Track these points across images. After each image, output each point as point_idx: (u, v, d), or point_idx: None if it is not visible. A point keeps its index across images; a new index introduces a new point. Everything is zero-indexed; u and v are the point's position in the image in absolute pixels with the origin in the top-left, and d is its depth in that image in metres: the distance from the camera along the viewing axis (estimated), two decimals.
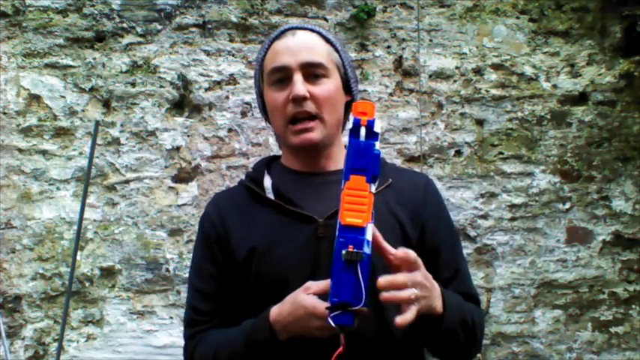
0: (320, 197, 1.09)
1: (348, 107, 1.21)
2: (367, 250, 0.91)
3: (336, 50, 1.18)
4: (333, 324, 0.89)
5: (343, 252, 0.89)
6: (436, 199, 1.22)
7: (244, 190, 1.20)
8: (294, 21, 2.48)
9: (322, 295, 0.96)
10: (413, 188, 1.19)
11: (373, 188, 0.95)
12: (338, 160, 1.17)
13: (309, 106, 1.11)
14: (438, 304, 1.00)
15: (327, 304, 0.91)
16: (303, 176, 1.18)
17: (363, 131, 0.97)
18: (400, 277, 0.93)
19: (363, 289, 0.89)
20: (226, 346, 1.07)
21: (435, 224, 1.17)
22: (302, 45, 1.13)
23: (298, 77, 1.11)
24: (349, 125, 0.99)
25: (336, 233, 0.93)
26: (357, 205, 0.93)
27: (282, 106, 1.12)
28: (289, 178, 1.18)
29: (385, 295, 0.91)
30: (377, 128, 0.97)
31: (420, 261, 0.97)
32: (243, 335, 1.05)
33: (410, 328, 0.94)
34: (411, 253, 0.96)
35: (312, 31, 1.18)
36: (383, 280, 0.91)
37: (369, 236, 0.92)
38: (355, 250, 0.89)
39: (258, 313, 1.05)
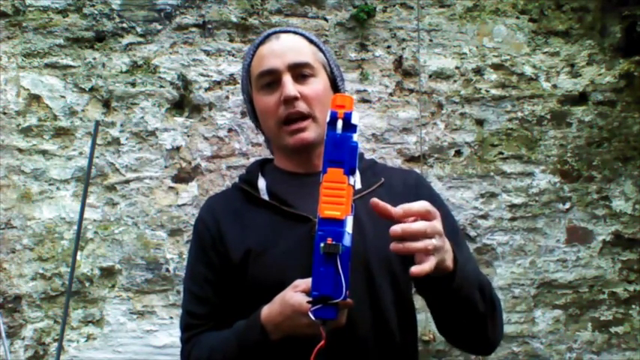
0: (314, 197, 1.10)
1: None
2: (347, 242, 0.90)
3: (321, 50, 1.19)
4: (313, 318, 0.89)
5: (321, 245, 0.89)
6: (428, 191, 1.22)
7: (238, 193, 1.20)
8: (294, 21, 2.48)
9: None
10: (404, 185, 1.19)
11: (352, 180, 0.94)
12: None
13: (301, 106, 1.11)
14: (449, 258, 0.94)
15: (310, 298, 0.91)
16: (296, 177, 1.18)
17: (339, 124, 0.96)
18: (416, 225, 0.86)
19: (343, 281, 0.88)
20: (220, 347, 1.07)
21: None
22: (287, 47, 1.15)
23: (287, 78, 1.12)
24: (327, 119, 0.98)
25: (316, 227, 0.92)
26: (335, 198, 0.92)
27: (274, 108, 1.13)
28: (283, 179, 1.19)
29: (396, 245, 0.85)
30: (355, 120, 0.97)
31: (436, 211, 0.91)
32: (236, 336, 1.05)
33: (424, 287, 0.90)
34: (425, 204, 0.89)
35: (295, 33, 1.19)
36: (396, 227, 0.85)
37: (348, 228, 0.91)
38: (334, 243, 0.88)
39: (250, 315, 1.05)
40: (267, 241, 1.10)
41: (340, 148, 0.94)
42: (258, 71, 1.15)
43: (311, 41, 1.19)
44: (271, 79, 1.13)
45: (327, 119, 0.98)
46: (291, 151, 1.17)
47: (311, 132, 1.13)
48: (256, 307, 1.04)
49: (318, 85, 1.14)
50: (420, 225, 0.87)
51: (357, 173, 1.12)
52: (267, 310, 1.01)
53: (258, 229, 1.12)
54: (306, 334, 0.95)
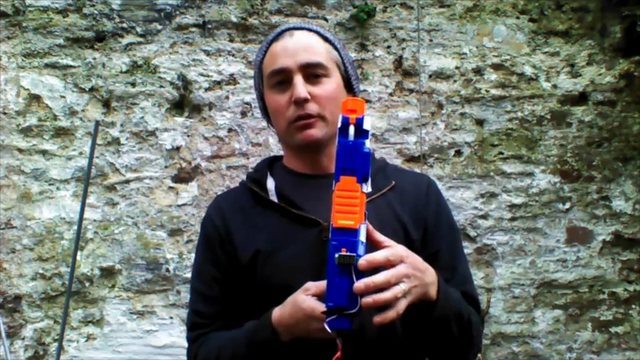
0: (323, 200, 1.07)
1: None
2: (361, 251, 0.89)
3: (335, 49, 1.17)
4: (329, 329, 0.88)
5: (336, 255, 0.87)
6: (437, 198, 1.20)
7: (246, 192, 1.18)
8: (294, 21, 2.48)
9: (322, 296, 0.95)
10: (415, 189, 1.18)
11: (365, 188, 0.93)
12: None
13: (311, 108, 1.10)
14: (432, 290, 0.97)
15: (325, 308, 0.89)
16: (305, 178, 1.17)
17: (351, 130, 0.94)
18: (380, 277, 0.88)
19: None
20: (228, 347, 1.06)
21: (435, 224, 1.15)
22: (300, 46, 1.12)
23: (299, 79, 1.10)
24: (338, 124, 0.96)
25: (329, 236, 0.91)
26: (348, 207, 0.90)
27: (284, 108, 1.11)
28: (292, 180, 1.17)
29: (366, 300, 0.87)
30: (367, 126, 0.95)
31: (403, 251, 0.94)
32: (246, 336, 1.04)
33: (402, 317, 0.92)
34: (386, 252, 0.92)
35: (310, 30, 1.16)
36: (360, 284, 0.86)
37: (362, 237, 0.90)
38: (348, 254, 0.87)
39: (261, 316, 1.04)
40: (276, 243, 1.09)
41: (353, 156, 0.92)
42: (269, 69, 1.13)
43: (326, 39, 1.16)
44: (282, 78, 1.11)
45: (339, 124, 0.96)
46: (299, 149, 1.15)
47: (319, 129, 1.11)
48: (264, 308, 1.04)
49: (330, 85, 1.12)
50: (381, 277, 0.88)
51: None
52: (278, 312, 1.00)
53: (267, 230, 1.11)
54: (316, 338, 0.94)
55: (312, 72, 1.11)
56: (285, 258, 1.08)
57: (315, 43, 1.14)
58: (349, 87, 1.19)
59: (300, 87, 1.09)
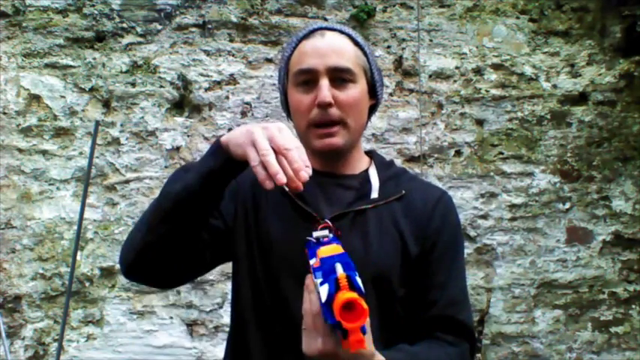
0: (329, 199, 1.08)
1: (371, 111, 1.19)
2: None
3: (365, 54, 1.16)
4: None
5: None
6: (443, 215, 1.15)
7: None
8: (293, 21, 2.48)
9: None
10: (423, 202, 1.14)
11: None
12: (355, 164, 1.17)
13: (334, 113, 1.09)
14: None
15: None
16: (317, 175, 1.14)
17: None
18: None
19: None
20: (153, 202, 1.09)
21: (433, 242, 1.12)
22: (331, 48, 1.11)
23: (325, 82, 1.09)
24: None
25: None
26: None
27: (307, 109, 1.11)
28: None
29: None
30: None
31: None
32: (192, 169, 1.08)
33: None
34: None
35: (342, 32, 1.15)
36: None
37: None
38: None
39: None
40: (273, 231, 1.11)
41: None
42: (296, 68, 1.12)
43: (356, 43, 1.15)
44: (308, 78, 1.11)
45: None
46: (318, 153, 1.15)
47: (340, 138, 1.10)
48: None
49: (355, 91, 1.11)
50: None
51: (376, 182, 1.13)
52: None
53: (268, 216, 1.13)
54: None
55: (339, 76, 1.10)
56: (278, 248, 1.09)
57: (345, 47, 1.13)
58: (373, 93, 1.18)
59: (326, 90, 1.08)
